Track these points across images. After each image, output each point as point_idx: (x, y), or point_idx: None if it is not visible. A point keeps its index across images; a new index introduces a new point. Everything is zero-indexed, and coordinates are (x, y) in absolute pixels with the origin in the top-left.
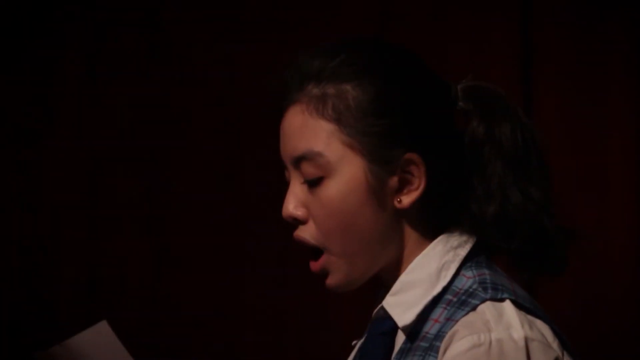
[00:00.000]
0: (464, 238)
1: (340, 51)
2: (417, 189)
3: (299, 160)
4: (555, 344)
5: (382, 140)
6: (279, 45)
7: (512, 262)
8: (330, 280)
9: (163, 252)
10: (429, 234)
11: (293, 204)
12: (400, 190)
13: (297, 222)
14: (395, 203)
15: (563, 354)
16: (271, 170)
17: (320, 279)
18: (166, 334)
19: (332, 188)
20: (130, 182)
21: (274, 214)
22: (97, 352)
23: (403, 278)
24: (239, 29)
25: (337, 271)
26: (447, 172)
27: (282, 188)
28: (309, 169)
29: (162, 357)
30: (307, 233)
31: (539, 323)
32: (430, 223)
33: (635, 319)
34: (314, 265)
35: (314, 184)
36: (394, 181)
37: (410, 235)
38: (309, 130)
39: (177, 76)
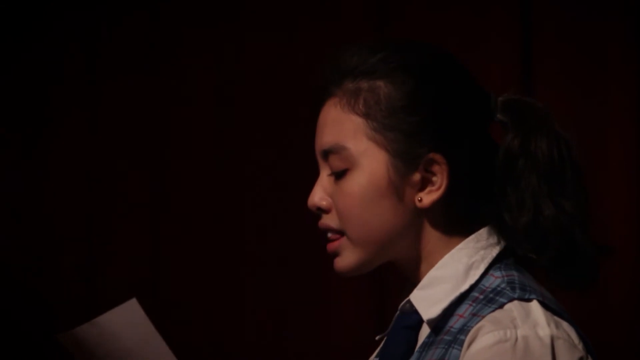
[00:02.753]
0: (494, 240)
1: (379, 49)
2: (438, 189)
3: (326, 153)
4: (580, 346)
5: (407, 137)
6: (278, 42)
7: (541, 274)
8: (340, 262)
9: (162, 252)
10: (454, 234)
11: (319, 195)
12: (422, 189)
13: (320, 212)
14: (416, 201)
15: (587, 357)
16: (272, 170)
17: (332, 259)
18: (166, 333)
19: (354, 180)
20: (130, 182)
21: (275, 212)
22: (126, 330)
23: (432, 273)
24: (239, 27)
25: (349, 254)
26: (473, 177)
27: (283, 188)
28: (335, 162)
29: None
30: (330, 220)
31: (565, 324)
32: (456, 224)
33: (635, 319)
34: (330, 246)
35: (339, 176)
36: (415, 178)
37: (432, 233)
38: (338, 124)
39: (177, 75)
